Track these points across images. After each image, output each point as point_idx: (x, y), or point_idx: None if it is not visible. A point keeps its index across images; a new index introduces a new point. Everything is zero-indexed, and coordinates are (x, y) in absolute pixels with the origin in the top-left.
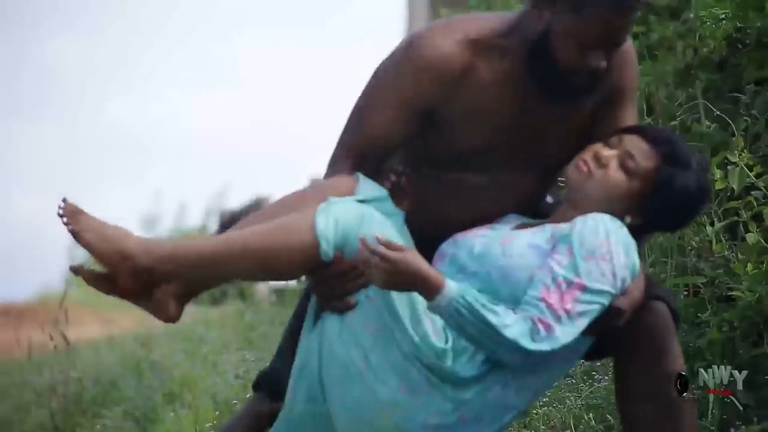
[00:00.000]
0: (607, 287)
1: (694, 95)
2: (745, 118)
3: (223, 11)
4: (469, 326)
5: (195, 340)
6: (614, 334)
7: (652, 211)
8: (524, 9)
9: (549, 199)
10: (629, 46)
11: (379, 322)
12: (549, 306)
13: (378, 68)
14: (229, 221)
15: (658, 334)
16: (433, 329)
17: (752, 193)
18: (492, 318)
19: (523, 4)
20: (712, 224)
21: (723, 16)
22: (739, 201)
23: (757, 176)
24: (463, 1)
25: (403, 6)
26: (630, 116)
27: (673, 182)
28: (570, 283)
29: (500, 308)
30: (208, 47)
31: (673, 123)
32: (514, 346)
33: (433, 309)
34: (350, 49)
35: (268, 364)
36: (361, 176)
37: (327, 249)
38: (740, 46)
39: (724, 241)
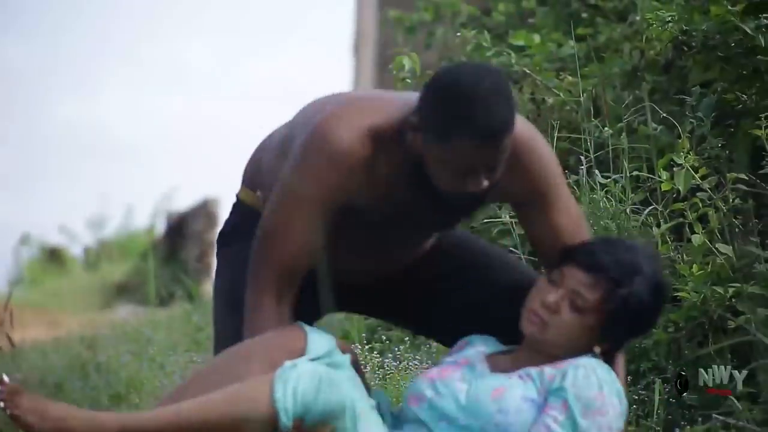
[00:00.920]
0: None
1: (640, 97)
2: (691, 120)
3: (173, 16)
4: None
5: (142, 341)
6: None
7: (616, 334)
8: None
9: None
10: (529, 137)
11: None
12: None
13: (285, 175)
14: (176, 223)
15: None
16: None
17: (698, 194)
18: None
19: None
20: (658, 225)
21: (669, 18)
22: (685, 202)
23: (703, 178)
24: (409, 3)
25: (351, 9)
26: (561, 210)
27: (626, 303)
28: None
29: None
30: (159, 50)
31: (619, 125)
32: None
33: None
34: (299, 53)
35: None
36: (308, 330)
37: (286, 421)
38: (686, 49)
39: (669, 243)
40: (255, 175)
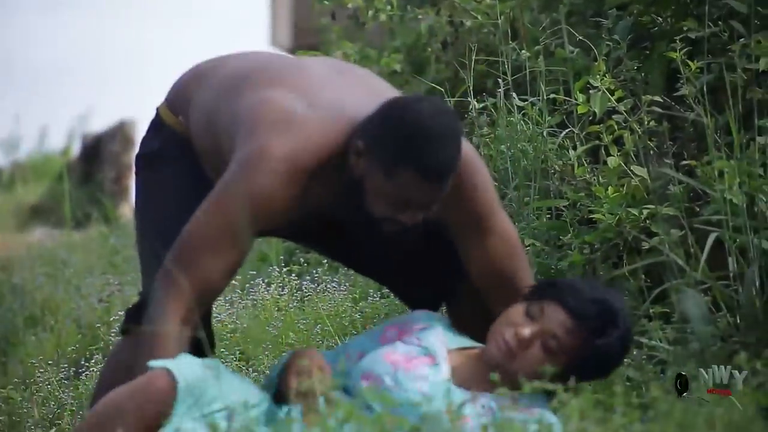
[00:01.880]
0: None
1: (557, 20)
2: (608, 42)
3: None
4: None
5: (58, 263)
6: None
7: (576, 374)
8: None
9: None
10: (470, 161)
11: None
12: None
13: (219, 189)
14: (92, 145)
15: None
16: None
17: (614, 117)
18: None
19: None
20: (574, 148)
21: None
22: (601, 125)
23: (618, 100)
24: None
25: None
26: (498, 234)
27: (598, 353)
28: None
29: None
30: None
31: (536, 48)
32: None
33: None
34: None
35: (135, 295)
36: (179, 384)
37: None
38: None
39: (585, 165)
40: (182, 103)
